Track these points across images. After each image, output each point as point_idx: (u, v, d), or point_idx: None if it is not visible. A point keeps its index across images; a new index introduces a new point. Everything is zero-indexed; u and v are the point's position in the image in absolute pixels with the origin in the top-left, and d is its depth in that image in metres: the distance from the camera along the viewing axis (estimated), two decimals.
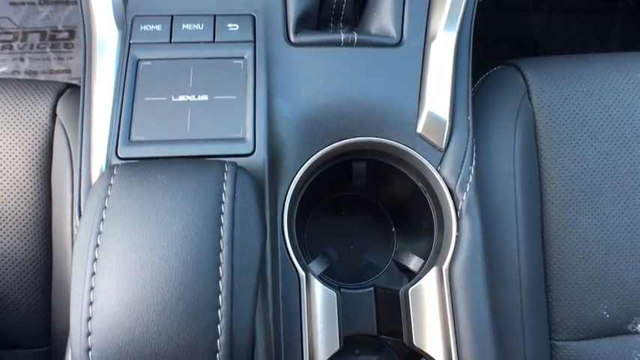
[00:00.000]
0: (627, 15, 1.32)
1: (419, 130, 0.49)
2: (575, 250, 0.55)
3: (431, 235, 0.51)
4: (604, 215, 0.55)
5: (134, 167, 0.38)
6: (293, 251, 0.46)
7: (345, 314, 0.49)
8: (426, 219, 0.52)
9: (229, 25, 0.49)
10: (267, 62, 0.48)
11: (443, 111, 0.49)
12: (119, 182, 0.36)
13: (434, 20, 0.51)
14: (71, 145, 0.55)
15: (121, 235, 0.33)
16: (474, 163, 0.49)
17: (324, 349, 0.44)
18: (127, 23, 0.49)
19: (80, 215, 0.44)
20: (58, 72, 1.28)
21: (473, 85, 0.53)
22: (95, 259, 0.33)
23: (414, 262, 0.52)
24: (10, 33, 1.28)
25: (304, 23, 0.52)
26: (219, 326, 0.33)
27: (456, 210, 0.48)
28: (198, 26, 0.49)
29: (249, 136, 0.44)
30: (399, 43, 0.51)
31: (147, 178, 0.37)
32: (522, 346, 0.51)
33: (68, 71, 1.29)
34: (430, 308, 0.46)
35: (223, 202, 0.36)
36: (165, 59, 0.47)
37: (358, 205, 0.60)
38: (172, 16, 0.50)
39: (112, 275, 0.32)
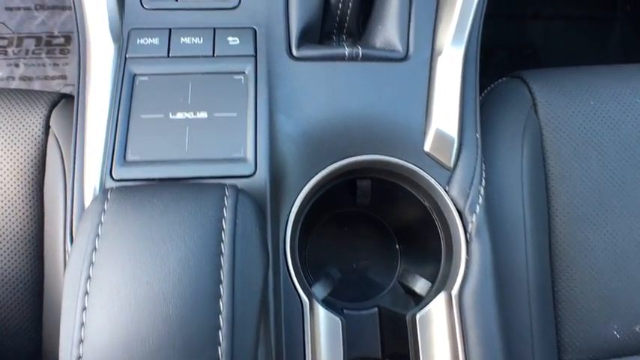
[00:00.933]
0: (626, 22, 1.33)
1: (426, 148, 0.48)
2: (584, 267, 0.53)
3: (438, 256, 0.50)
4: (613, 232, 0.54)
5: (128, 192, 0.36)
6: (296, 276, 0.44)
7: (349, 336, 0.47)
8: (432, 240, 0.51)
9: (229, 39, 0.48)
10: (269, 77, 0.47)
11: (451, 128, 0.47)
12: (113, 208, 0.34)
13: (440, 34, 0.50)
14: (64, 158, 0.53)
15: (114, 266, 0.31)
16: (483, 183, 0.47)
17: None
18: (123, 36, 0.48)
19: (72, 240, 0.42)
20: (53, 78, 1.26)
21: None
22: (87, 293, 0.31)
23: (420, 285, 0.51)
24: (5, 38, 1.26)
25: (307, 37, 0.50)
26: None
27: (466, 232, 0.46)
28: (197, 40, 0.47)
29: (250, 155, 0.43)
30: (405, 58, 0.49)
31: (142, 203, 0.35)
32: None
33: (64, 77, 1.27)
34: (439, 334, 0.45)
35: (224, 230, 0.34)
36: (162, 74, 0.46)
37: (361, 221, 0.58)
38: (170, 30, 0.48)
39: (104, 311, 0.30)
